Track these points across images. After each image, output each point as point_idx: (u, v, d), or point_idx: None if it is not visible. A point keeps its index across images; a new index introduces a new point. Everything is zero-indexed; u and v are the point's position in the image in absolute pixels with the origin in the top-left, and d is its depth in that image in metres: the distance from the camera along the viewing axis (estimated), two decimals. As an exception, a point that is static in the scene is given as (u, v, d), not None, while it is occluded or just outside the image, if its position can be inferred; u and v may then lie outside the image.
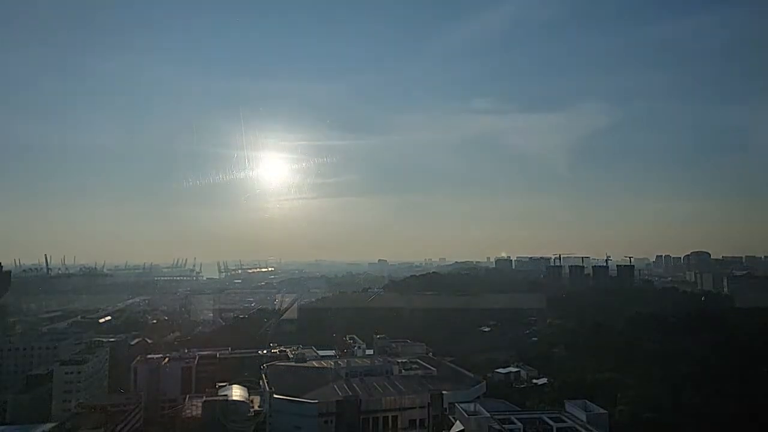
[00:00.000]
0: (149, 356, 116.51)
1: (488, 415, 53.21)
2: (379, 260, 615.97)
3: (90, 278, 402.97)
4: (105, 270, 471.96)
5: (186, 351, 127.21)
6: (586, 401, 56.20)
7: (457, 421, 54.36)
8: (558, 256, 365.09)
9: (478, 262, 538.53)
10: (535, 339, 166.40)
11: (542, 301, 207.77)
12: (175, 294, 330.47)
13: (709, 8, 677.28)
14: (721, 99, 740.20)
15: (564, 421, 51.73)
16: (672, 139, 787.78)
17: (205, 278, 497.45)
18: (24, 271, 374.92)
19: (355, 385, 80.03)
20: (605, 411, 54.73)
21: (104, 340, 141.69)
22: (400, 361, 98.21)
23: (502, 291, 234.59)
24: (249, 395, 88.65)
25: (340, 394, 74.41)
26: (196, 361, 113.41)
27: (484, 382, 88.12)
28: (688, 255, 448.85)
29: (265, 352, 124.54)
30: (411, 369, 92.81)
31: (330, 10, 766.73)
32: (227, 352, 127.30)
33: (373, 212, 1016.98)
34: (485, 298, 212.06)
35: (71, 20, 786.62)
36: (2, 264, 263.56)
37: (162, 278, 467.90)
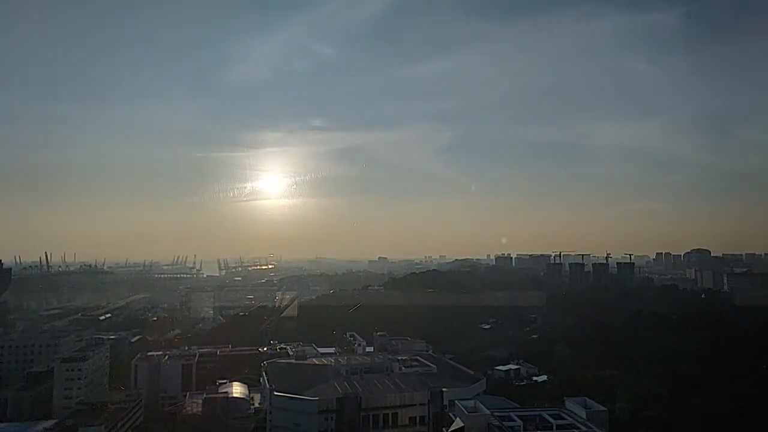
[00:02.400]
0: (150, 353, 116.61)
1: (488, 412, 53.29)
2: (380, 258, 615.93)
3: (90, 276, 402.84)
4: (105, 267, 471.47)
5: (186, 348, 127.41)
6: (586, 398, 56.25)
7: (457, 418, 54.41)
8: (558, 253, 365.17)
9: (479, 259, 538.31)
10: (535, 336, 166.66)
11: (542, 298, 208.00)
12: (175, 291, 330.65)
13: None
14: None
15: (564, 419, 51.80)
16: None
17: (205, 275, 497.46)
18: (24, 268, 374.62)
19: (355, 382, 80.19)
20: (605, 408, 54.80)
21: (105, 337, 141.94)
22: (400, 358, 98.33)
23: (502, 288, 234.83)
24: (249, 392, 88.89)
25: (340, 391, 74.53)
26: (196, 359, 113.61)
27: (484, 379, 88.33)
28: (688, 252, 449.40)
29: (265, 349, 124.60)
30: (411, 366, 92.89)
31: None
32: (227, 349, 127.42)
33: (372, 210, 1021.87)
34: (485, 295, 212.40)
35: (75, 24, 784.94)
36: (2, 261, 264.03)
37: (162, 276, 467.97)
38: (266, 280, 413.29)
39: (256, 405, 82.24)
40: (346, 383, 79.33)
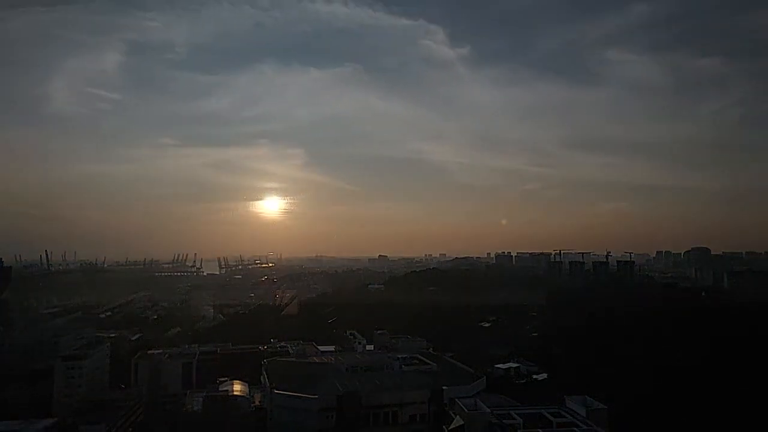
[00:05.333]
0: (150, 352, 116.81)
1: (488, 410, 53.31)
2: (380, 256, 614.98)
3: (90, 274, 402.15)
4: (105, 266, 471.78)
5: (187, 346, 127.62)
6: (586, 397, 56.18)
7: (457, 417, 54.41)
8: (558, 251, 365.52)
9: (479, 257, 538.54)
10: (535, 334, 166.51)
11: (542, 296, 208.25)
12: (175, 290, 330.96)
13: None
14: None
15: (564, 417, 51.80)
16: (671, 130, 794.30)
17: (205, 274, 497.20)
18: (24, 267, 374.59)
19: (355, 380, 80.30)
20: (605, 406, 54.76)
21: (105, 335, 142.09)
22: (400, 356, 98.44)
23: (502, 286, 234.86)
24: (250, 391, 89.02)
25: (340, 389, 74.57)
26: (196, 357, 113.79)
27: (484, 377, 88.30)
28: (688, 251, 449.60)
29: (265, 347, 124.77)
30: (411, 364, 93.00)
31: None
32: (228, 347, 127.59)
33: (373, 208, 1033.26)
34: (485, 293, 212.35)
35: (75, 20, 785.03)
36: (3, 260, 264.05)
37: (162, 274, 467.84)
38: (266, 279, 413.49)
39: (257, 403, 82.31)
40: (346, 381, 79.42)
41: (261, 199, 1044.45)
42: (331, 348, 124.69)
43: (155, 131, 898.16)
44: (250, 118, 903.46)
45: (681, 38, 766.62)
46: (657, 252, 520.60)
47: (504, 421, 50.01)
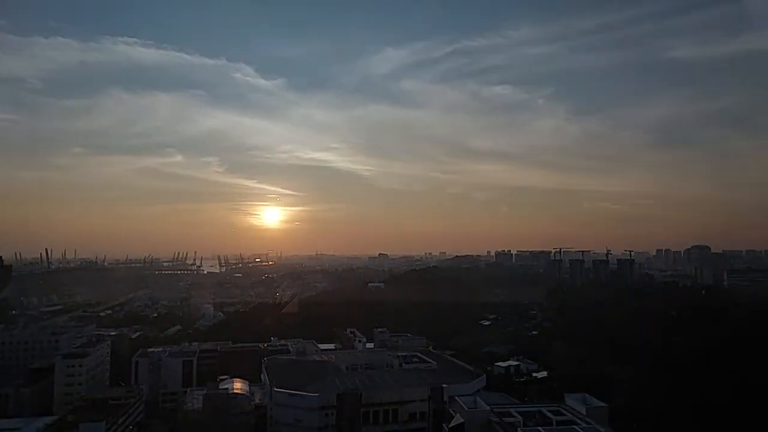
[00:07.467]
0: (150, 350, 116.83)
1: (488, 408, 53.42)
2: (380, 254, 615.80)
3: (90, 272, 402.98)
4: (105, 264, 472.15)
5: (187, 344, 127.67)
6: (586, 394, 56.34)
7: (457, 414, 54.50)
8: (558, 250, 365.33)
9: (479, 256, 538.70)
10: (535, 332, 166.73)
11: (542, 294, 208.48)
12: (175, 288, 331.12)
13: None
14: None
15: (563, 414, 51.89)
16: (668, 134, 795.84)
17: (205, 272, 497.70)
18: (25, 265, 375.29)
19: (355, 378, 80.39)
20: (605, 404, 54.86)
21: (105, 333, 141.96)
22: (400, 354, 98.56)
23: (502, 285, 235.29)
24: (250, 388, 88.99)
25: (340, 387, 74.65)
26: (197, 355, 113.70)
27: (484, 375, 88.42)
28: (688, 249, 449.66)
29: (265, 345, 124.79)
30: (411, 362, 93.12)
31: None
32: (228, 345, 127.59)
33: (373, 206, 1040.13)
34: (485, 291, 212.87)
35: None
36: (3, 258, 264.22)
37: (162, 272, 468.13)
38: (266, 277, 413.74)
39: (257, 401, 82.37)
40: (346, 379, 79.51)
41: (215, 202, 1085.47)
42: (332, 346, 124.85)
43: (60, 144, 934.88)
44: (140, 132, 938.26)
45: (460, 71, 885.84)
46: (657, 250, 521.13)
47: (504, 419, 50.10)
